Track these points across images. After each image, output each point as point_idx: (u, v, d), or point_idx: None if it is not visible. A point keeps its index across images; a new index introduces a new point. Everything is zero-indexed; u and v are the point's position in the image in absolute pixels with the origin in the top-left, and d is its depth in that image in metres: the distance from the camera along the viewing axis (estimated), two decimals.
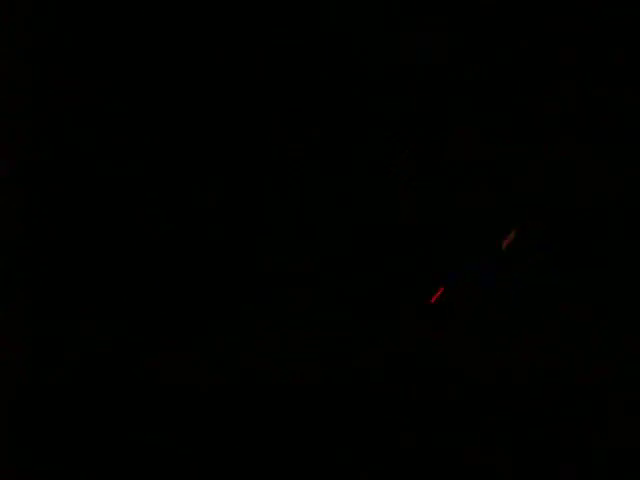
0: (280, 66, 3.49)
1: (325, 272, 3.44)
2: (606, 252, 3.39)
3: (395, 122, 3.49)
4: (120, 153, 3.44)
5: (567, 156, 3.45)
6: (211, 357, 3.36)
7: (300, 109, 3.49)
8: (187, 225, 3.44)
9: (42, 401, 3.25)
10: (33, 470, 3.16)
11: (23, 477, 3.15)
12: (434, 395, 3.30)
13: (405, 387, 3.32)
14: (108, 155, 3.43)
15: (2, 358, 3.23)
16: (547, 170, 3.45)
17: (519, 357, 3.32)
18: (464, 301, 3.43)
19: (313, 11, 3.47)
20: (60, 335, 3.32)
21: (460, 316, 3.42)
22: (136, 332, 3.36)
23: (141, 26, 3.46)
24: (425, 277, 3.45)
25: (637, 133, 3.41)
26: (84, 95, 3.43)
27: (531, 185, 3.46)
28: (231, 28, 3.48)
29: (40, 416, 3.23)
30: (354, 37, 3.47)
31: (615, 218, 3.40)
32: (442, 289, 3.39)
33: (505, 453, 3.18)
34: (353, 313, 3.43)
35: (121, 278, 3.39)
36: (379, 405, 3.29)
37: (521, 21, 3.44)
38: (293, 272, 3.45)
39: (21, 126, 3.35)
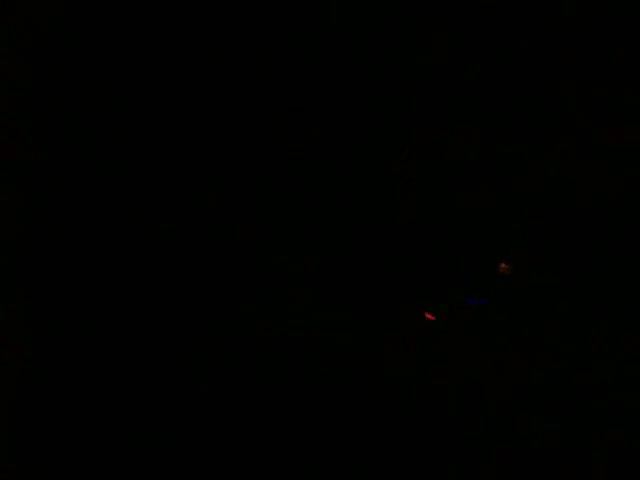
0: (280, 66, 3.49)
1: (325, 272, 3.45)
2: (606, 252, 3.39)
3: (395, 122, 3.49)
4: (120, 153, 3.45)
5: (567, 156, 3.45)
6: (211, 357, 3.36)
7: (300, 109, 3.49)
8: (187, 225, 3.45)
9: (42, 401, 3.25)
10: (33, 470, 3.16)
11: (23, 477, 3.15)
12: (434, 395, 3.30)
13: (405, 387, 3.32)
14: (108, 155, 3.44)
15: (2, 358, 3.23)
16: (547, 170, 3.45)
17: (519, 357, 3.32)
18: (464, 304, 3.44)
19: (313, 11, 3.47)
20: (60, 335, 3.32)
21: (460, 316, 3.43)
22: (136, 332, 3.36)
23: (141, 26, 3.46)
24: (425, 277, 3.45)
25: (637, 133, 3.42)
26: (84, 95, 3.43)
27: (531, 185, 3.46)
28: (231, 28, 3.48)
29: (40, 416, 3.23)
30: (354, 37, 3.47)
31: (615, 218, 3.40)
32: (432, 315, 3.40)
33: (504, 452, 3.18)
34: (353, 313, 3.43)
35: (121, 278, 3.39)
36: (379, 405, 3.29)
37: (521, 21, 3.44)
38: (293, 272, 3.45)
39: (21, 126, 3.35)
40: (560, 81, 3.44)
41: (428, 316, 3.37)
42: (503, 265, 3.35)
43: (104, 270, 3.38)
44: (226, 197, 3.47)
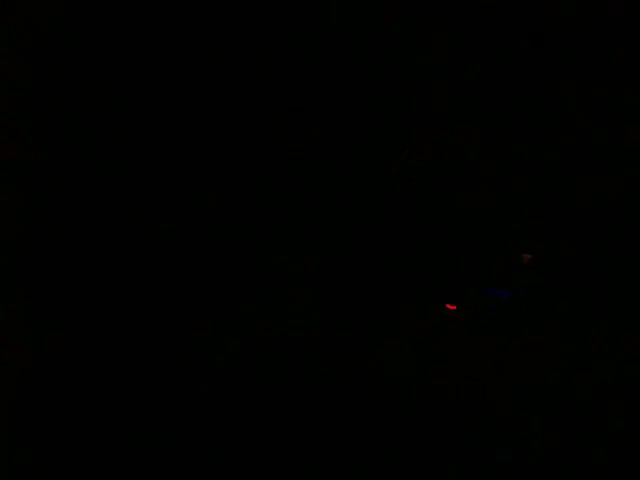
0: (280, 66, 3.49)
1: (325, 272, 3.45)
2: (606, 252, 3.39)
3: (395, 122, 3.49)
4: (120, 153, 3.45)
5: (567, 156, 3.45)
6: (210, 357, 3.36)
7: (300, 109, 3.49)
8: (187, 225, 3.45)
9: (42, 401, 3.25)
10: (33, 470, 3.16)
11: (23, 477, 3.15)
12: (434, 395, 3.30)
13: (405, 387, 3.32)
14: (108, 155, 3.44)
15: (2, 358, 3.23)
16: (547, 170, 3.45)
17: (518, 357, 3.32)
18: (465, 303, 3.43)
19: (313, 11, 3.47)
20: (60, 335, 3.32)
21: (460, 316, 3.43)
22: (136, 332, 3.36)
23: (141, 26, 3.46)
24: (425, 277, 3.45)
25: (637, 133, 3.41)
26: (84, 95, 3.43)
27: (531, 185, 3.46)
28: (231, 28, 3.48)
29: (40, 416, 3.23)
30: (354, 37, 3.47)
31: (615, 218, 3.40)
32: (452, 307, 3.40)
33: (504, 452, 3.18)
34: (353, 313, 3.43)
35: (121, 278, 3.39)
36: (379, 405, 3.29)
37: (521, 21, 3.44)
38: (293, 272, 3.45)
39: (21, 126, 3.35)
40: (560, 81, 3.44)
41: (449, 307, 3.37)
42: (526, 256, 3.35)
43: (104, 270, 3.38)
44: (226, 197, 3.47)
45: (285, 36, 3.47)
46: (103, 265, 3.39)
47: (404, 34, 3.47)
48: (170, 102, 3.48)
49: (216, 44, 3.49)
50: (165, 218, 3.45)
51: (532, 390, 3.27)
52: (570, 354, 3.30)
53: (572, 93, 3.44)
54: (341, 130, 3.50)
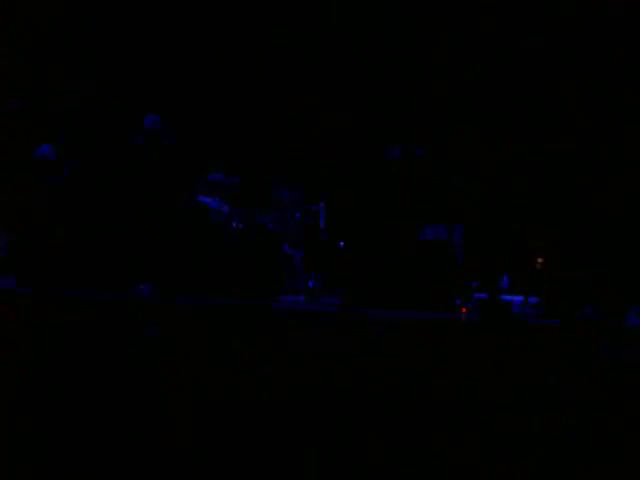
0: (280, 66, 3.49)
1: (326, 272, 3.45)
2: (606, 252, 3.39)
3: (395, 122, 3.49)
4: (120, 153, 3.45)
5: (567, 156, 3.45)
6: (210, 357, 3.36)
7: (300, 109, 3.49)
8: (187, 225, 3.45)
9: (42, 401, 3.25)
10: (33, 470, 3.15)
11: (23, 477, 3.14)
12: (435, 395, 3.30)
13: (406, 388, 3.32)
14: (108, 155, 3.44)
15: (2, 358, 3.23)
16: (547, 170, 3.45)
17: (518, 357, 3.33)
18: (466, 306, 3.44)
19: (313, 11, 3.47)
20: (60, 335, 3.32)
21: (461, 317, 3.43)
22: (136, 332, 3.36)
23: (141, 27, 3.46)
24: (425, 277, 3.45)
25: (637, 133, 3.42)
26: (84, 95, 3.43)
27: (531, 185, 3.46)
28: (231, 28, 3.48)
29: (40, 416, 3.23)
30: (354, 37, 3.47)
31: (615, 218, 3.40)
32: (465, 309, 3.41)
33: (506, 452, 3.18)
34: (354, 312, 3.43)
35: (121, 278, 3.39)
36: (378, 406, 3.29)
37: (521, 21, 3.44)
38: (294, 271, 3.45)
39: (21, 126, 3.35)
40: (560, 81, 3.44)
41: (463, 310, 3.39)
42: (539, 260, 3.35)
43: (104, 270, 3.38)
44: (226, 197, 3.47)
45: (285, 36, 3.47)
46: (103, 265, 3.39)
47: (404, 34, 3.47)
48: (170, 102, 3.48)
49: (216, 44, 3.49)
50: (165, 218, 3.45)
51: (532, 390, 3.27)
52: (570, 354, 3.30)
53: (572, 93, 3.44)
54: (341, 130, 3.50)
